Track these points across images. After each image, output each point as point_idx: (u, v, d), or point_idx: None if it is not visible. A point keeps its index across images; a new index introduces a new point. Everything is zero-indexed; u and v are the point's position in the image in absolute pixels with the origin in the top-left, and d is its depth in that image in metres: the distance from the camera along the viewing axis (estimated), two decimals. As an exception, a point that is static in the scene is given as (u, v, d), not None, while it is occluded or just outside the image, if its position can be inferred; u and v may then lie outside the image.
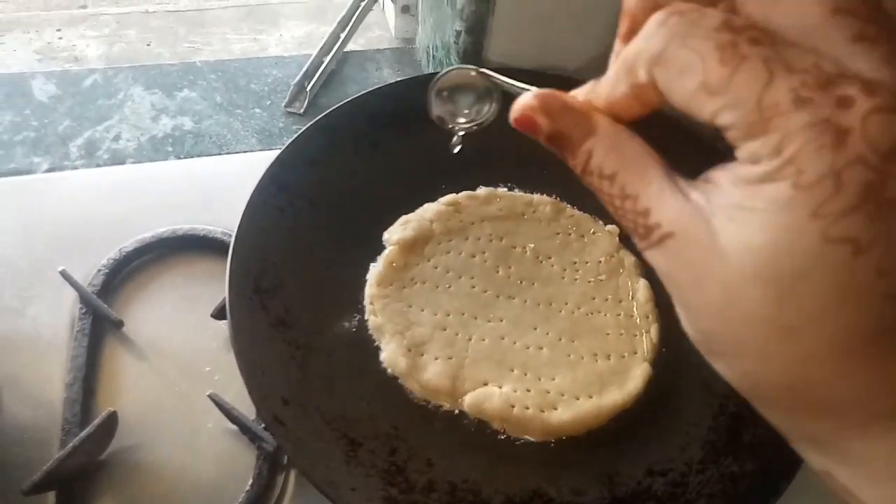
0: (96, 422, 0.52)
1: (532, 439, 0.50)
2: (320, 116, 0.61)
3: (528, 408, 0.50)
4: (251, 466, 0.53)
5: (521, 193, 0.63)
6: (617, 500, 0.47)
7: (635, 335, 0.55)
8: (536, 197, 0.62)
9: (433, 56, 0.80)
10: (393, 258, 0.57)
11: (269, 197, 0.56)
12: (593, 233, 0.60)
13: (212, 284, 0.61)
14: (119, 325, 0.59)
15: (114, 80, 0.80)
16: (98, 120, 0.77)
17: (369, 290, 0.55)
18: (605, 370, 0.53)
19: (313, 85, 0.80)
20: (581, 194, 0.60)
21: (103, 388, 0.57)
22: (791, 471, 0.47)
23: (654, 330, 0.55)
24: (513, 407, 0.50)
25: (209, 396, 0.54)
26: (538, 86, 0.71)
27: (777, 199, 0.22)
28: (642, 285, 0.57)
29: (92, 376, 0.57)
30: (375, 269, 0.57)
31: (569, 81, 0.68)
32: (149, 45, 0.91)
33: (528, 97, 0.28)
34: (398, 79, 0.80)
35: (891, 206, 0.22)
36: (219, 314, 0.57)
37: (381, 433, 0.48)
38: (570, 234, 0.60)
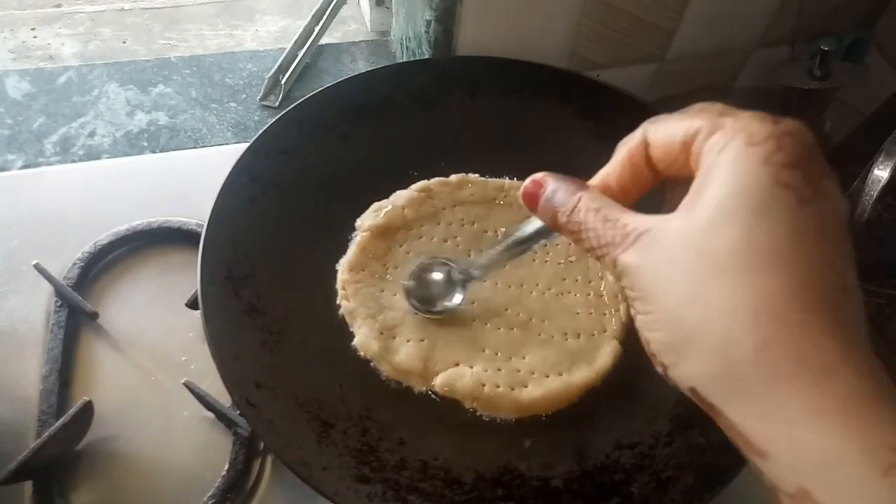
0: (71, 411, 0.52)
1: (504, 417, 0.51)
2: (291, 107, 0.62)
3: (498, 386, 0.51)
4: (228, 452, 0.54)
5: (493, 179, 0.63)
6: (586, 474, 0.48)
7: (605, 314, 0.56)
8: (507, 182, 0.63)
9: (406, 47, 0.80)
10: (364, 244, 0.58)
11: (240, 187, 0.57)
12: None
13: (187, 275, 0.61)
14: (94, 316, 0.59)
15: (88, 77, 0.80)
16: (73, 117, 0.77)
17: (341, 275, 0.56)
18: (574, 348, 0.54)
19: (287, 78, 0.81)
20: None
21: (79, 379, 0.57)
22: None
23: (623, 309, 0.56)
24: (484, 386, 0.51)
25: (184, 384, 0.54)
26: (509, 72, 0.73)
27: (735, 156, 0.27)
28: None
29: (68, 368, 0.57)
30: (347, 256, 0.57)
31: (539, 69, 0.70)
32: (124, 42, 0.91)
33: (537, 174, 0.37)
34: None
35: (817, 180, 0.27)
36: (193, 304, 0.57)
37: (353, 414, 0.49)
38: None
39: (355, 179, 0.61)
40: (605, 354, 0.53)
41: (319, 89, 0.64)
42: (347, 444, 0.47)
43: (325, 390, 0.49)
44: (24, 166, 0.72)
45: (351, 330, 0.54)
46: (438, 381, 0.51)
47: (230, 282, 0.52)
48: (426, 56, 0.72)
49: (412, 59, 0.78)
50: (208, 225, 0.54)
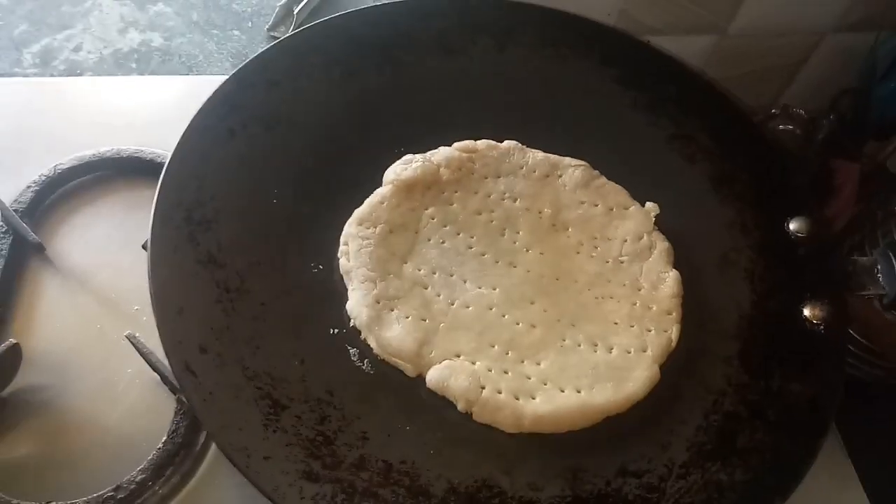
0: (-6, 353, 0.45)
1: (500, 430, 0.42)
2: (288, 34, 0.54)
3: (500, 392, 0.43)
4: (169, 422, 0.47)
5: (552, 155, 0.53)
6: (579, 501, 0.40)
7: (649, 331, 0.46)
8: (567, 159, 0.53)
9: (436, -12, 0.71)
10: (385, 198, 0.49)
11: (218, 117, 0.49)
12: (625, 208, 0.52)
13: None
14: (40, 249, 0.52)
15: (82, -14, 0.73)
16: (59, 27, 0.69)
17: (347, 228, 0.48)
18: (602, 363, 0.45)
19: (301, 9, 0.72)
20: (617, 165, 0.53)
21: (16, 317, 0.51)
22: (788, 485, 0.40)
23: (675, 330, 0.47)
24: (483, 388, 0.43)
25: (127, 337, 0.47)
26: (546, 23, 0.63)
27: None
28: (672, 277, 0.48)
29: (4, 303, 0.51)
30: (361, 207, 0.49)
31: (581, 22, 0.61)
32: (131, -45, 0.83)
33: None
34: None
35: None
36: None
37: (311, 397, 0.41)
38: (596, 206, 0.51)
39: (355, 125, 0.53)
40: (639, 380, 0.44)
41: (325, 18, 0.55)
42: (299, 431, 0.39)
43: (282, 364, 0.42)
44: (-3, 75, 0.65)
45: (328, 300, 0.46)
46: (430, 375, 0.43)
47: (188, 224, 0.44)
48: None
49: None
50: (173, 155, 0.46)
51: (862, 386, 0.70)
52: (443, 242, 0.49)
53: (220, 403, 0.39)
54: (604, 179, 0.53)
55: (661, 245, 0.50)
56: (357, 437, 0.40)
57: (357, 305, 0.45)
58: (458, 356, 0.44)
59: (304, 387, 0.42)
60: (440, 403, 0.43)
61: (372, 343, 0.44)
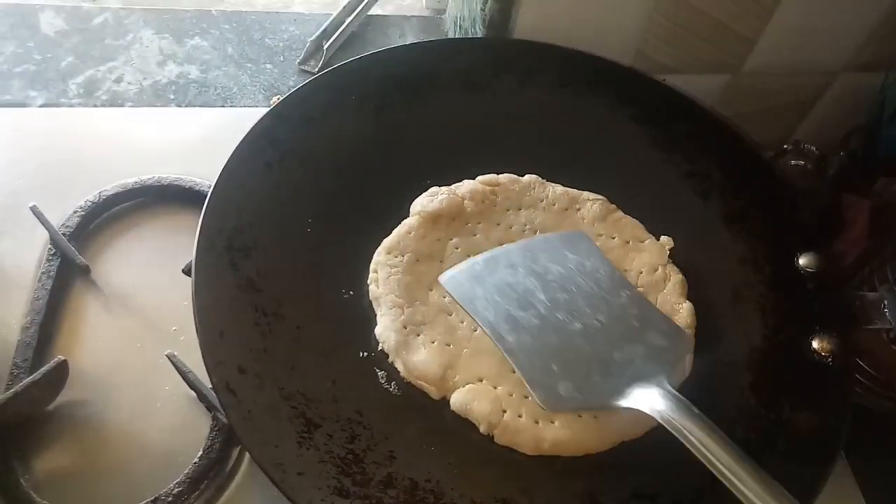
0: (44, 369, 0.48)
1: (521, 452, 0.44)
2: (324, 71, 0.57)
3: (521, 416, 0.45)
4: (204, 437, 0.49)
5: (571, 189, 0.56)
6: (596, 523, 0.42)
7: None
8: (585, 193, 0.56)
9: (460, 26, 0.75)
10: (411, 228, 0.52)
11: (256, 150, 0.52)
12: (641, 241, 0.54)
13: (191, 240, 0.56)
14: (86, 270, 0.55)
15: (124, 21, 0.77)
16: (102, 60, 0.73)
17: (377, 256, 0.50)
18: None
19: (331, 45, 0.76)
20: (633, 200, 0.55)
21: (62, 335, 0.53)
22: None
23: (688, 360, 0.48)
24: (504, 412, 0.45)
25: (167, 356, 0.50)
26: (566, 63, 0.65)
27: None
28: (686, 308, 0.50)
29: (51, 322, 0.53)
30: (389, 237, 0.52)
31: (600, 62, 0.64)
32: (169, -10, 0.88)
33: None
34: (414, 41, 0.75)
35: None
36: (189, 270, 0.52)
37: (342, 417, 0.43)
38: (613, 238, 0.54)
39: (384, 158, 0.55)
40: None
41: (356, 57, 0.59)
42: (331, 449, 0.42)
43: (315, 385, 0.44)
44: (44, 105, 0.69)
45: (357, 324, 0.48)
46: (454, 398, 0.45)
47: (229, 251, 0.47)
48: (479, 36, 0.66)
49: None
50: (215, 186, 0.49)
51: (871, 416, 0.71)
52: None
53: (258, 421, 0.41)
54: (620, 213, 0.55)
55: (675, 277, 0.52)
56: (385, 455, 0.42)
57: (385, 330, 0.47)
58: (481, 380, 0.46)
59: (336, 407, 0.44)
60: (463, 425, 0.45)
61: (399, 366, 0.47)
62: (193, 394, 0.51)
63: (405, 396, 0.46)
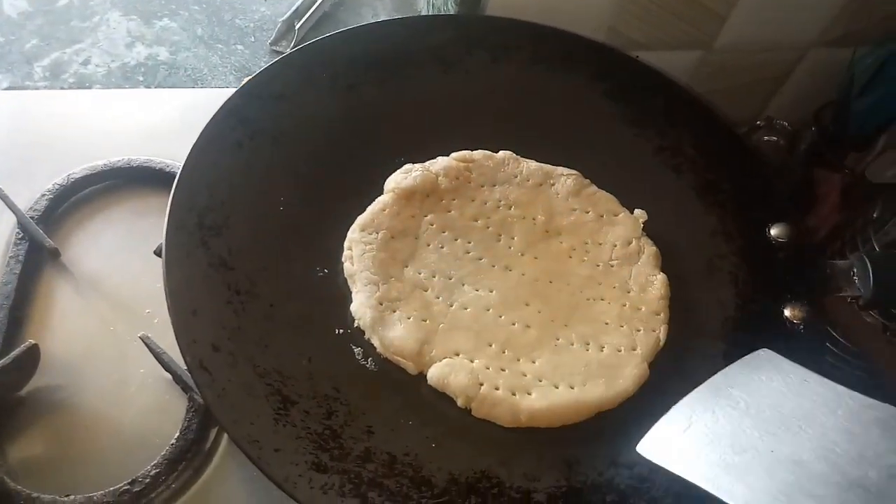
0: (14, 353, 0.47)
1: (498, 424, 0.45)
2: (294, 49, 0.56)
3: (497, 388, 0.45)
4: (181, 419, 0.49)
5: (545, 165, 0.56)
6: (574, 491, 0.42)
7: (638, 330, 0.49)
8: (559, 169, 0.56)
9: (433, 4, 0.74)
10: (385, 205, 0.51)
11: (226, 129, 0.51)
12: (615, 215, 0.54)
13: (162, 222, 0.55)
14: (55, 254, 0.54)
15: (90, 3, 0.75)
16: (68, 42, 0.72)
17: (351, 234, 0.50)
18: (594, 361, 0.47)
19: (303, 24, 0.75)
20: (606, 175, 0.55)
21: (32, 320, 0.53)
22: (771, 476, 0.42)
23: (662, 330, 0.49)
24: (481, 385, 0.45)
25: (140, 338, 0.49)
26: (539, 39, 0.65)
27: None
28: (660, 280, 0.51)
29: (21, 306, 0.52)
30: (363, 214, 0.51)
31: (573, 39, 0.63)
32: (137, -28, 0.86)
33: None
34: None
35: None
36: (161, 252, 0.52)
37: (319, 393, 0.43)
38: (588, 213, 0.54)
39: (357, 136, 0.55)
40: (629, 377, 0.46)
41: (328, 34, 0.58)
42: (308, 425, 0.41)
43: (290, 362, 0.44)
44: (9, 87, 0.67)
45: (331, 301, 0.48)
46: (432, 372, 0.45)
47: (200, 230, 0.46)
48: (452, 13, 0.66)
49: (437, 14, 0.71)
50: (185, 165, 0.48)
51: (843, 384, 0.72)
52: (442, 247, 0.51)
53: (233, 399, 0.41)
54: (594, 188, 0.55)
55: (649, 250, 0.52)
56: (363, 431, 0.42)
57: (361, 307, 0.47)
58: (458, 354, 0.46)
59: (312, 383, 0.44)
60: (441, 400, 0.45)
61: (375, 342, 0.46)
62: (169, 376, 0.50)
63: (382, 372, 0.46)
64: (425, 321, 0.47)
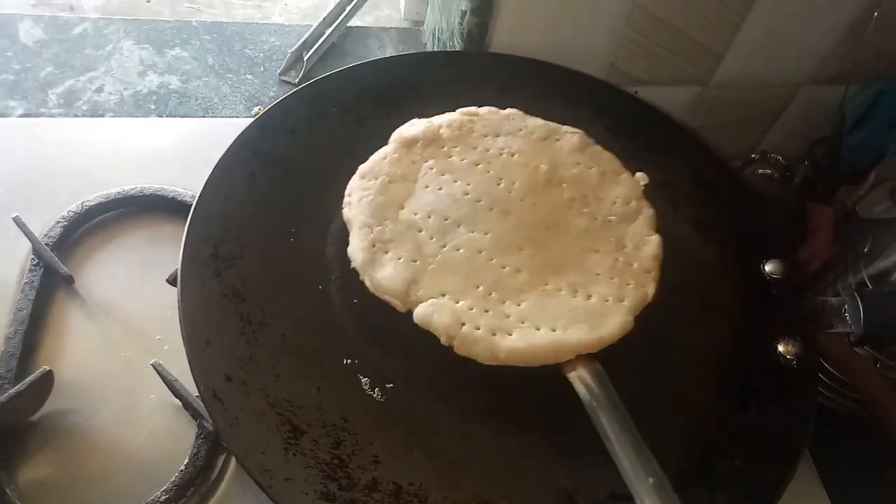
0: (29, 379, 0.48)
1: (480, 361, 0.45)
2: (306, 84, 0.58)
3: (478, 328, 0.45)
4: (190, 445, 0.50)
5: (549, 122, 0.56)
6: (574, 521, 0.43)
7: (629, 284, 0.49)
8: (565, 127, 0.56)
9: (438, 39, 0.76)
10: (387, 153, 0.52)
11: (240, 160, 0.53)
12: (617, 175, 0.54)
13: (174, 249, 0.56)
14: (70, 280, 0.55)
15: (104, 31, 0.77)
16: (82, 70, 0.73)
17: (351, 182, 0.51)
18: (580, 307, 0.47)
19: (311, 56, 0.77)
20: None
21: (46, 345, 0.54)
22: (765, 508, 0.44)
23: (651, 288, 0.49)
24: (463, 325, 0.45)
25: (152, 365, 0.50)
26: (542, 76, 0.67)
27: None
28: (654, 240, 0.51)
29: (35, 332, 0.54)
30: (366, 162, 0.52)
31: (574, 76, 0.66)
32: (149, 0, 0.88)
33: None
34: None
35: None
36: (173, 280, 0.53)
37: (327, 423, 0.44)
38: (591, 168, 0.54)
39: (365, 169, 0.56)
40: (614, 324, 0.46)
41: (338, 70, 0.60)
42: (317, 454, 0.43)
43: (300, 392, 0.45)
44: (24, 115, 0.69)
45: (337, 329, 0.49)
46: (417, 312, 0.46)
47: (215, 261, 0.48)
48: (458, 49, 0.68)
49: (443, 49, 0.74)
50: (200, 196, 0.50)
51: (836, 417, 0.74)
52: (440, 189, 0.51)
53: (245, 428, 0.42)
54: (599, 147, 0.56)
55: (647, 211, 0.53)
56: (370, 460, 0.44)
57: (355, 249, 0.48)
58: (444, 295, 0.46)
59: (321, 413, 0.45)
60: (437, 426, 0.47)
61: (367, 283, 0.47)
62: (179, 402, 0.51)
63: (389, 402, 0.47)
64: (415, 261, 0.47)
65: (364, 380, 0.48)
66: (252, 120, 0.55)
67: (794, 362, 0.50)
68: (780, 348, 0.51)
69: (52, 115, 0.69)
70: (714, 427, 0.48)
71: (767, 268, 0.54)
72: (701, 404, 0.49)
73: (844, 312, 0.51)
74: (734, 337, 0.52)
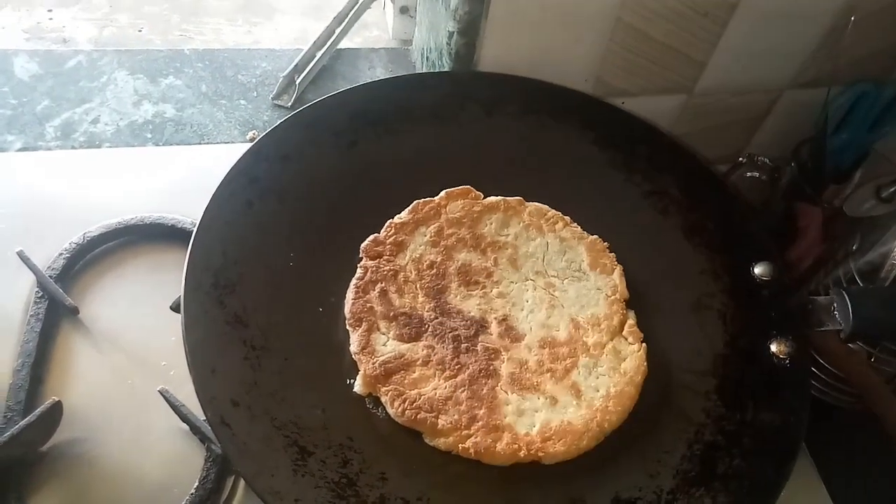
0: (38, 411, 0.49)
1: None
2: (299, 109, 0.59)
3: None
4: (199, 469, 0.51)
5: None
6: (578, 529, 0.44)
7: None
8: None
9: (427, 58, 0.78)
10: None
11: (237, 189, 0.54)
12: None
13: (176, 276, 0.56)
14: (74, 311, 0.56)
15: (98, 63, 0.78)
16: (78, 102, 0.75)
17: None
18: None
19: (303, 79, 0.78)
20: (598, 220, 0.57)
21: (53, 376, 0.55)
22: (764, 507, 0.45)
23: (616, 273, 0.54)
24: None
25: (159, 391, 0.51)
26: (529, 92, 0.69)
27: None
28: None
29: (42, 363, 0.54)
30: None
31: (561, 91, 0.67)
32: (140, 30, 0.90)
33: None
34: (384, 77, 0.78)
35: None
36: (177, 308, 0.54)
37: (333, 443, 0.45)
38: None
39: (359, 191, 0.58)
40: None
41: (329, 94, 0.61)
42: (325, 475, 0.44)
43: (306, 414, 0.46)
44: (23, 149, 0.70)
45: (338, 353, 0.50)
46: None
47: (216, 289, 0.49)
48: (446, 69, 0.69)
49: (431, 70, 0.75)
50: (199, 226, 0.51)
51: (832, 412, 0.75)
52: None
53: (253, 452, 0.43)
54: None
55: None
56: (377, 477, 0.45)
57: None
58: None
59: (327, 433, 0.46)
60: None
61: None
62: (186, 427, 0.52)
63: (391, 420, 0.48)
64: None
65: (367, 398, 0.49)
66: (247, 146, 0.56)
67: (787, 361, 0.52)
68: (773, 348, 0.52)
69: (49, 149, 0.70)
70: (712, 428, 0.49)
71: (757, 270, 0.56)
72: (697, 407, 0.50)
73: (834, 310, 0.52)
74: (727, 339, 0.53)
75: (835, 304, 0.52)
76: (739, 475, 0.47)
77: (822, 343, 0.68)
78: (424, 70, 0.78)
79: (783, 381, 0.52)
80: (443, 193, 0.58)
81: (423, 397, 0.47)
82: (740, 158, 0.81)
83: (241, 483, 0.52)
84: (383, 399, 0.48)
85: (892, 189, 0.73)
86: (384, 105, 0.62)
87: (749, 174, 0.81)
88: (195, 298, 0.48)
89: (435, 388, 0.48)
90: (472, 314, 0.52)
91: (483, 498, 0.45)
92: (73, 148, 0.71)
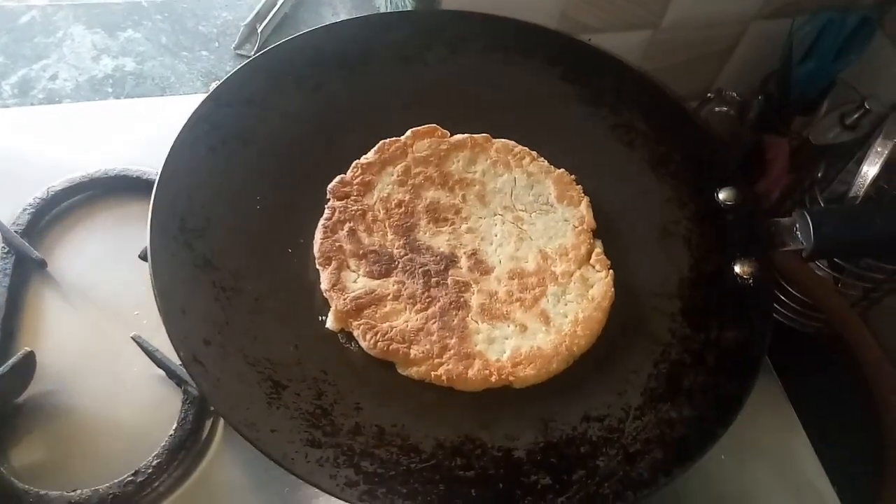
0: (10, 361, 0.49)
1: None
2: (259, 54, 0.58)
3: None
4: (177, 411, 0.51)
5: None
6: (551, 445, 0.45)
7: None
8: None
9: (391, 0, 0.77)
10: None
11: (199, 135, 0.53)
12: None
13: (143, 227, 0.57)
14: (42, 265, 0.56)
15: (53, 18, 0.76)
16: (34, 58, 0.73)
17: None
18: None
19: (265, 27, 0.77)
20: (565, 154, 0.57)
21: (24, 329, 0.54)
22: (728, 417, 0.46)
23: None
24: None
25: (132, 338, 0.52)
26: (494, 30, 0.69)
27: None
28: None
29: (12, 317, 0.54)
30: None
31: (526, 27, 0.66)
32: (96, -16, 0.87)
33: None
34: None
35: None
36: (146, 255, 0.54)
37: (307, 377, 0.46)
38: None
39: (324, 134, 0.57)
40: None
41: (290, 37, 0.60)
42: (300, 406, 0.44)
43: (278, 351, 0.47)
44: (-20, 108, 0.68)
45: (309, 292, 0.51)
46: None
47: (183, 233, 0.49)
48: (409, 8, 0.68)
49: (395, 10, 0.74)
50: (162, 173, 0.50)
51: (801, 337, 0.77)
52: None
53: (227, 387, 0.44)
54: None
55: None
56: (351, 408, 0.45)
57: None
58: None
59: (301, 368, 0.46)
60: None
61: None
62: (161, 372, 0.52)
63: (364, 353, 0.49)
64: None
65: (339, 334, 0.49)
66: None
67: (751, 281, 0.53)
68: (737, 269, 0.53)
69: (7, 106, 0.69)
70: (678, 348, 0.50)
71: (721, 195, 0.56)
72: (664, 328, 0.51)
73: (796, 230, 0.53)
74: (692, 263, 0.54)
75: (797, 225, 0.53)
76: (704, 390, 0.48)
77: (790, 268, 0.70)
78: (388, 11, 0.77)
79: (747, 301, 0.53)
80: (409, 133, 0.58)
81: (394, 329, 0.48)
82: (709, 94, 0.82)
83: (221, 423, 0.52)
84: (355, 333, 0.48)
85: (856, 116, 0.74)
86: (348, 46, 0.61)
87: (718, 108, 0.81)
88: (161, 242, 0.48)
89: (406, 321, 0.49)
90: (441, 250, 0.53)
91: (457, 422, 0.46)
92: (32, 105, 0.69)
